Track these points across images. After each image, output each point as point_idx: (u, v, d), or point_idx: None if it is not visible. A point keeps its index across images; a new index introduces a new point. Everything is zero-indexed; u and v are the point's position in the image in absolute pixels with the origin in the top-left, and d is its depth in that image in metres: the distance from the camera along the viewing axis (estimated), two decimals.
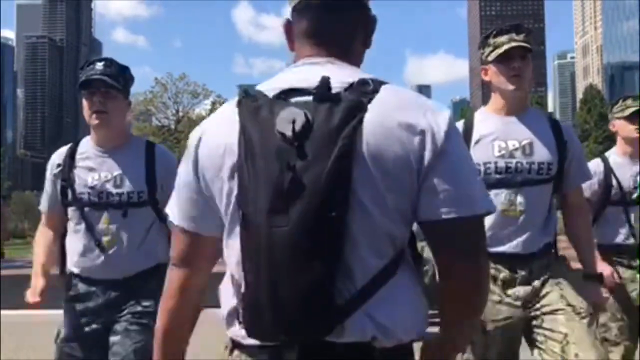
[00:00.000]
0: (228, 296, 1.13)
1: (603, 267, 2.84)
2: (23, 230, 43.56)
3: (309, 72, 1.11)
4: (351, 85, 1.06)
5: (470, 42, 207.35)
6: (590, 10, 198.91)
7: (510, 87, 2.24)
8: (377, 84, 1.07)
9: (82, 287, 2.35)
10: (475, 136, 2.27)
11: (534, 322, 2.16)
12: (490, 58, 2.27)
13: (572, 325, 2.08)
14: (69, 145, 2.46)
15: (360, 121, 1.02)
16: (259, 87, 1.12)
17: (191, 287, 1.23)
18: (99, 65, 2.32)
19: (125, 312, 2.30)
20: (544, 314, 2.14)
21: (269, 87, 1.10)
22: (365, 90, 1.05)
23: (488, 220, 2.17)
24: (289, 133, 0.99)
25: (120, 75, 2.34)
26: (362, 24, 1.20)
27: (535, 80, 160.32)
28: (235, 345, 1.11)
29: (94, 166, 2.35)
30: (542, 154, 2.22)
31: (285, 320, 0.99)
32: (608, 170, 3.04)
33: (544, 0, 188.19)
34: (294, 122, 0.99)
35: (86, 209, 2.32)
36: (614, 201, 3.02)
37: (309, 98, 1.04)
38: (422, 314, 1.11)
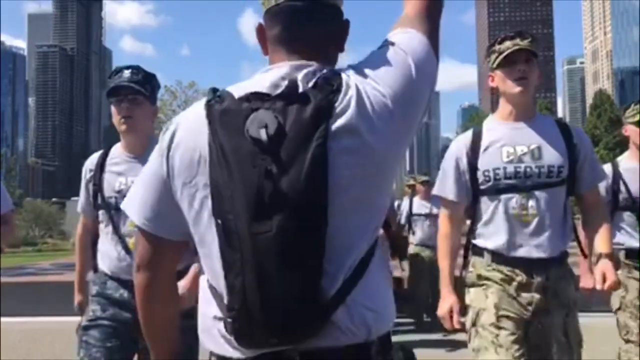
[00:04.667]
0: (209, 309, 1.08)
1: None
2: (34, 237, 43.87)
3: (276, 74, 1.08)
4: (316, 82, 1.04)
5: (478, 48, 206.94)
6: (599, 15, 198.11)
7: (516, 89, 2.28)
8: (339, 78, 1.05)
9: (111, 285, 2.42)
10: (484, 144, 2.32)
11: (530, 343, 2.23)
12: (495, 64, 2.32)
13: (561, 357, 2.22)
14: (101, 151, 2.58)
15: (332, 120, 1.00)
16: (229, 89, 1.08)
17: (159, 290, 1.18)
18: (127, 73, 2.41)
19: None
20: (543, 337, 2.22)
21: (239, 90, 1.06)
22: (332, 87, 1.03)
23: (502, 226, 2.24)
24: (263, 138, 0.96)
25: (147, 83, 2.43)
26: (336, 29, 1.18)
27: (545, 86, 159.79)
28: None
29: (122, 171, 2.44)
30: (551, 157, 2.25)
31: (276, 321, 0.97)
32: (617, 176, 3.05)
33: (553, 5, 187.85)
34: (266, 126, 0.97)
35: (113, 212, 2.40)
36: (622, 207, 3.04)
37: (278, 100, 1.01)
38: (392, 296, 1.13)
